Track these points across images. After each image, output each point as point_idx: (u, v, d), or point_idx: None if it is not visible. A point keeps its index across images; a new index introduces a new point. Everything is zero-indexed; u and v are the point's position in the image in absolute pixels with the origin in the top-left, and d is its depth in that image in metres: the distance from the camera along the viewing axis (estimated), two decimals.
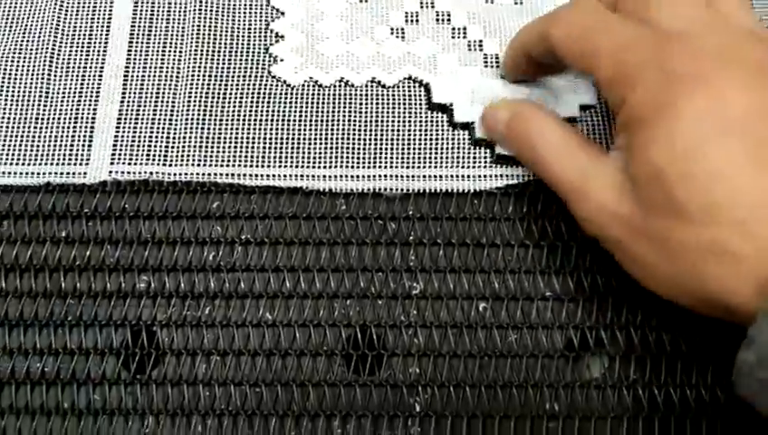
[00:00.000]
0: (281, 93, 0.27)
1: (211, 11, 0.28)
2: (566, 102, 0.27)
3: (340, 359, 0.24)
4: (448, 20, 0.29)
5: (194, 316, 0.24)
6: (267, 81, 0.27)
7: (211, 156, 0.26)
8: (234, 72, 0.27)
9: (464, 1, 0.29)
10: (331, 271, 0.25)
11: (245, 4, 0.29)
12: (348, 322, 0.24)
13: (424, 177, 0.26)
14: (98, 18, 0.28)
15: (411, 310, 0.24)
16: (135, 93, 0.26)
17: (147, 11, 0.28)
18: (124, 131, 0.26)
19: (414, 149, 0.26)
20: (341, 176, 0.26)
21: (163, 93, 0.27)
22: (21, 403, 0.23)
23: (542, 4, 0.29)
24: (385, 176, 0.26)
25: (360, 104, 0.27)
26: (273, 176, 0.26)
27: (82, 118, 0.26)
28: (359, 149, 0.26)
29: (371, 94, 0.27)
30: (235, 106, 0.26)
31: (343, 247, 0.25)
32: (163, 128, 0.26)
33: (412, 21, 0.29)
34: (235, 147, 0.26)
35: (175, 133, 0.26)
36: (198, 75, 0.27)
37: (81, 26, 0.27)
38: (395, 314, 0.24)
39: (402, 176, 0.26)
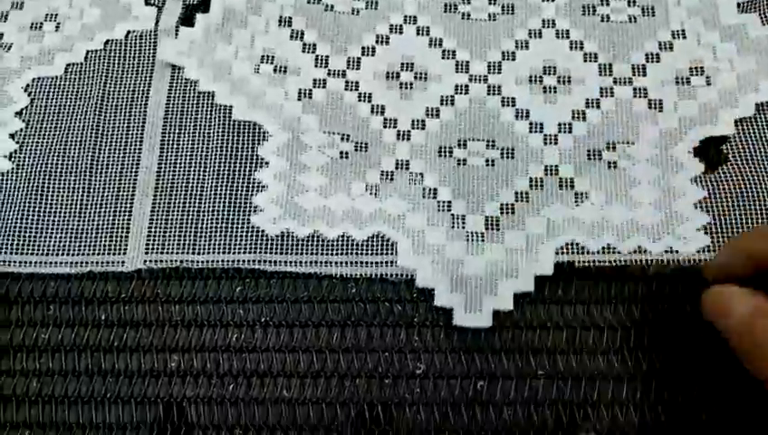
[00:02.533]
0: None
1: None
2: None
3: None
4: (421, 180, 0.29)
5: (219, 393, 0.26)
6: None
7: (234, 244, 0.28)
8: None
9: (437, 163, 0.29)
10: (342, 351, 0.26)
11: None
12: (357, 400, 0.25)
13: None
14: (133, 121, 0.30)
15: (415, 389, 0.26)
16: (167, 188, 0.28)
17: (177, 116, 0.30)
18: (157, 223, 0.28)
19: None
20: (352, 262, 0.27)
21: (192, 188, 0.28)
22: None
23: (513, 167, 0.29)
24: (391, 262, 0.28)
25: None
26: (290, 262, 0.28)
27: (120, 211, 0.28)
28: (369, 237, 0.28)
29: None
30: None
31: (353, 329, 0.26)
32: (192, 219, 0.28)
33: (387, 179, 0.29)
34: (255, 236, 0.28)
35: (202, 224, 0.28)
36: (223, 172, 0.29)
37: (118, 128, 0.29)
38: (400, 392, 0.26)
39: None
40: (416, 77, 0.31)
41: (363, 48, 0.31)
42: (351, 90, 0.30)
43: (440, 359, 0.26)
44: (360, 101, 0.30)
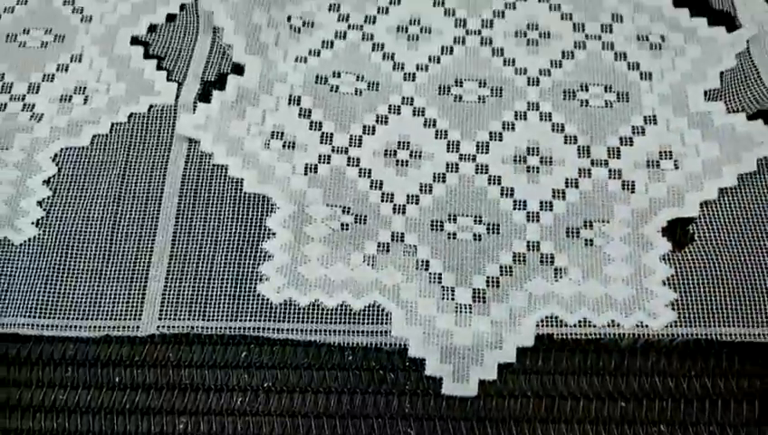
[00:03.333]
0: None
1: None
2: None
3: None
4: (415, 252, 0.31)
5: None
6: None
7: (241, 311, 0.29)
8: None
9: (429, 236, 0.31)
10: (338, 417, 0.28)
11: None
12: None
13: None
14: (152, 190, 0.32)
15: None
16: (181, 257, 0.30)
17: (192, 187, 0.32)
18: (171, 290, 0.29)
19: None
20: (349, 331, 0.29)
21: (204, 257, 0.30)
22: None
23: (498, 242, 0.31)
24: (385, 332, 0.29)
25: None
26: (292, 330, 0.29)
27: (136, 278, 0.30)
28: (365, 308, 0.30)
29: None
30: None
31: (349, 396, 0.28)
32: (203, 287, 0.30)
33: (383, 250, 0.31)
34: (261, 304, 0.30)
35: (212, 292, 0.30)
36: (233, 242, 0.31)
37: (138, 197, 0.31)
38: None
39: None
40: (411, 155, 0.33)
41: (364, 127, 0.34)
42: (353, 165, 0.33)
43: (429, 426, 0.28)
44: (360, 176, 0.32)
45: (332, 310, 0.29)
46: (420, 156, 0.33)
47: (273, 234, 0.31)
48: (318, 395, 0.28)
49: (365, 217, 0.31)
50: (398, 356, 0.29)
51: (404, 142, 0.34)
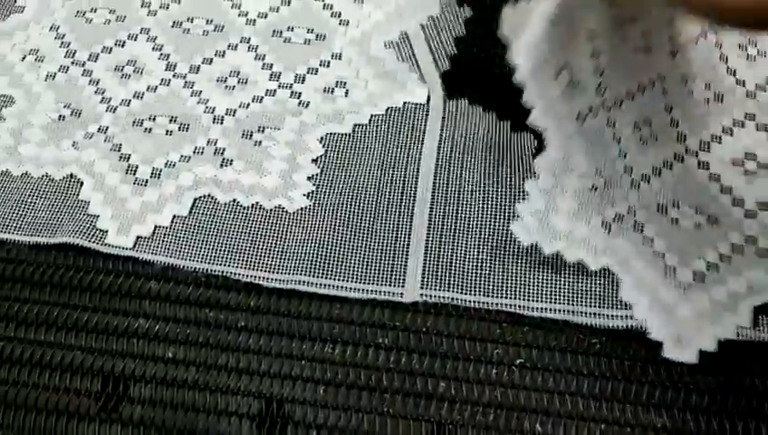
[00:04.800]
0: None
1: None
2: None
3: None
4: (641, 229, 0.31)
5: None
6: None
7: (496, 288, 0.31)
8: None
9: (655, 217, 0.31)
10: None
11: None
12: None
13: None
14: (408, 176, 0.34)
15: None
16: (437, 233, 0.32)
17: (447, 149, 0.34)
18: (431, 261, 0.32)
19: None
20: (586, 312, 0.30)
21: (461, 228, 0.32)
22: None
23: (716, 233, 0.31)
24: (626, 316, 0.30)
25: None
26: (547, 309, 0.31)
27: (398, 251, 0.32)
28: None
29: None
30: None
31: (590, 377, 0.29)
32: (461, 258, 0.32)
33: (618, 220, 0.32)
34: (517, 281, 0.31)
35: (472, 263, 0.32)
36: (491, 205, 0.33)
37: (395, 181, 0.34)
38: None
39: None
40: None
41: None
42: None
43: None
44: None
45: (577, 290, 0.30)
46: None
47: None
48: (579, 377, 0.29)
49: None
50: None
51: None
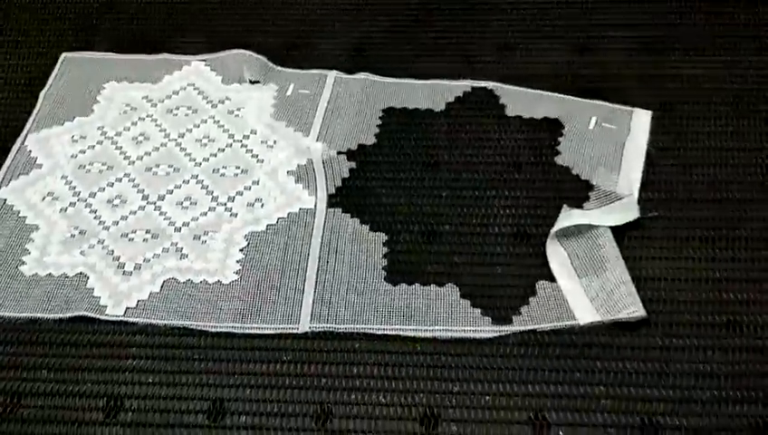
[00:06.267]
0: None
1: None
2: None
3: None
4: None
5: None
6: None
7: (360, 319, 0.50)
8: None
9: None
10: None
11: None
12: None
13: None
14: (304, 240, 0.54)
15: None
16: (321, 286, 0.51)
17: (328, 232, 0.54)
18: (316, 303, 0.50)
19: None
20: None
21: (337, 284, 0.51)
22: None
23: None
24: None
25: None
26: None
27: (296, 296, 0.51)
28: None
29: None
30: None
31: None
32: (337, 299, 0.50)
33: None
34: None
35: (344, 302, 0.50)
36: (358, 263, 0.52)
37: (296, 248, 0.53)
38: None
39: None
40: None
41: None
42: None
43: None
44: None
45: None
46: None
47: None
48: None
49: None
50: None
51: None
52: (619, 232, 0.53)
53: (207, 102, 0.64)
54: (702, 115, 0.61)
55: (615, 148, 0.59)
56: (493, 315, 0.49)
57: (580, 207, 0.55)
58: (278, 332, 0.49)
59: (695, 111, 0.61)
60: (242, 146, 0.61)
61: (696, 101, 0.62)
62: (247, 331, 0.49)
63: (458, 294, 0.51)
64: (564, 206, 0.54)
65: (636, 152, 0.58)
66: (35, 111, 0.64)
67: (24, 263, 0.54)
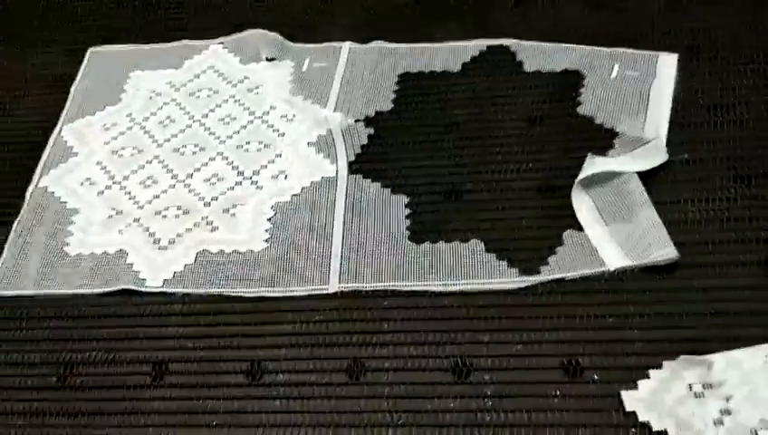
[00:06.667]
0: None
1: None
2: None
3: None
4: None
5: None
6: None
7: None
8: None
9: None
10: None
11: None
12: None
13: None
14: (327, 208, 0.55)
15: None
16: (347, 245, 0.53)
17: (350, 200, 0.55)
18: (344, 263, 0.52)
19: None
20: None
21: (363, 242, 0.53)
22: None
23: None
24: None
25: None
26: None
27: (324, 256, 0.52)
28: None
29: None
30: None
31: None
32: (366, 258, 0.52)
33: None
34: None
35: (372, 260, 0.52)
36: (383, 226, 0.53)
37: (320, 215, 0.55)
38: None
39: None
40: None
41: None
42: None
43: None
44: None
45: None
46: None
47: None
48: None
49: None
50: None
51: None
52: (646, 177, 0.53)
53: (227, 83, 0.66)
54: (727, 57, 0.59)
55: (640, 93, 0.58)
56: (520, 267, 0.50)
57: (604, 155, 0.54)
58: (308, 293, 0.51)
59: (721, 54, 0.60)
60: (263, 122, 0.63)
61: (722, 45, 0.60)
62: (279, 294, 0.51)
63: (483, 248, 0.51)
64: (589, 154, 0.54)
65: (662, 96, 0.57)
66: (68, 104, 0.67)
67: (68, 244, 0.57)
